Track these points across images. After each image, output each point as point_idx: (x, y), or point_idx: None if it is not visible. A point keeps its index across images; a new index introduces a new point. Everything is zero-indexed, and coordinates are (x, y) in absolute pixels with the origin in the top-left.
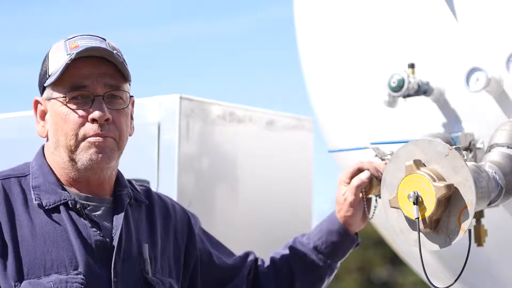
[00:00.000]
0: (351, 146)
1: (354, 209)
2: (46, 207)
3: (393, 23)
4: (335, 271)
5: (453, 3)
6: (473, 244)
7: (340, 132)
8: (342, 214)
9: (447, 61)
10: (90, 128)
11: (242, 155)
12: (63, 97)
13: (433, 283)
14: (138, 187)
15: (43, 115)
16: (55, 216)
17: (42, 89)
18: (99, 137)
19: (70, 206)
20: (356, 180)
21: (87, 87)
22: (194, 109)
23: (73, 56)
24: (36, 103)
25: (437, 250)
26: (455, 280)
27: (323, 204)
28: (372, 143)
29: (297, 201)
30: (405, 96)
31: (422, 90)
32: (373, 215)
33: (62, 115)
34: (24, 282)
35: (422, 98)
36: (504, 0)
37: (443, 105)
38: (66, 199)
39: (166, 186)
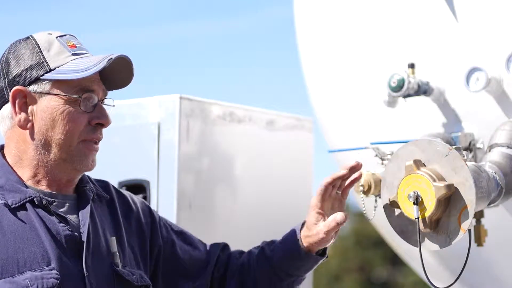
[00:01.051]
0: (351, 146)
1: (326, 242)
2: (12, 206)
3: (393, 23)
4: (303, 281)
5: (453, 3)
6: (473, 244)
7: (340, 132)
8: (310, 240)
9: (447, 61)
10: (91, 130)
11: (242, 155)
12: (78, 96)
13: (433, 283)
14: (96, 183)
15: (24, 107)
16: (22, 214)
17: (30, 81)
18: (95, 144)
19: (36, 203)
20: (332, 223)
21: (95, 91)
22: (194, 109)
23: (111, 61)
24: (18, 93)
25: (437, 250)
26: (455, 280)
27: None
28: (372, 143)
29: (297, 201)
30: (405, 96)
31: (422, 90)
32: (373, 215)
33: (67, 114)
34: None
35: (422, 98)
36: (504, 0)
37: (443, 105)
38: (31, 196)
39: (166, 186)
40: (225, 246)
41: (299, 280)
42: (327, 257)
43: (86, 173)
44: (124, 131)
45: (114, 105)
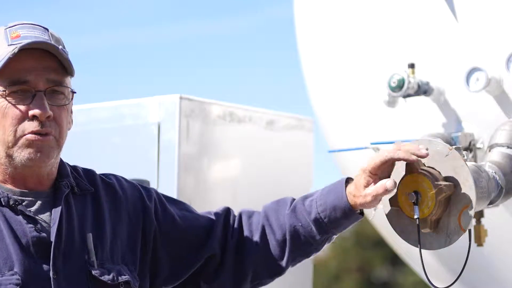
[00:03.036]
0: (351, 146)
1: (369, 206)
2: None
3: (393, 23)
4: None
5: (453, 3)
6: (473, 244)
7: (340, 132)
8: (357, 201)
9: (447, 61)
10: (30, 125)
11: (242, 155)
12: (3, 90)
13: (433, 283)
14: (83, 174)
15: None
16: None
17: None
18: (38, 136)
19: (3, 203)
20: (381, 189)
21: (28, 82)
22: (194, 109)
23: (16, 50)
24: None
25: (437, 250)
26: (455, 280)
27: None
28: (372, 143)
29: None
30: (405, 96)
31: (422, 90)
32: (373, 215)
33: (1, 109)
34: None
35: (422, 98)
36: (504, 0)
37: (443, 105)
38: None
39: (166, 186)
40: (228, 209)
41: (330, 240)
42: (363, 216)
43: (73, 163)
44: (124, 131)
45: (61, 92)
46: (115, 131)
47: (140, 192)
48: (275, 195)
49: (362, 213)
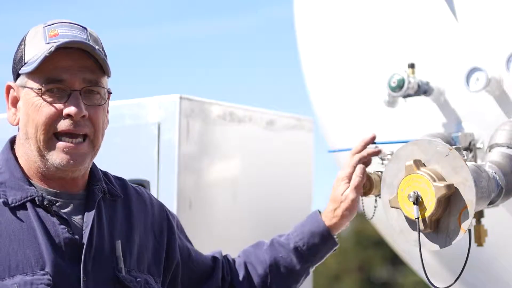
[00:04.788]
0: (351, 146)
1: (353, 207)
2: (12, 204)
3: (393, 23)
4: (308, 276)
5: (453, 3)
6: (473, 244)
7: (340, 132)
8: (338, 212)
9: (447, 61)
10: (63, 123)
11: (242, 155)
12: (39, 88)
13: (433, 283)
14: (114, 180)
15: (15, 102)
16: (21, 213)
17: (17, 75)
18: (70, 143)
19: (38, 202)
20: (357, 179)
21: (65, 81)
22: (194, 109)
23: (53, 49)
24: (9, 88)
25: (437, 250)
26: (455, 280)
27: (323, 204)
28: (372, 143)
29: (297, 200)
30: (405, 96)
31: (422, 90)
32: (373, 215)
33: (35, 106)
34: None
35: (422, 98)
36: (504, 0)
37: (443, 105)
38: (33, 196)
39: (166, 186)
40: (221, 252)
41: (307, 272)
42: (337, 246)
43: (104, 169)
44: (124, 131)
45: (97, 92)
46: (115, 131)
47: (167, 214)
48: (275, 195)
49: (335, 242)
